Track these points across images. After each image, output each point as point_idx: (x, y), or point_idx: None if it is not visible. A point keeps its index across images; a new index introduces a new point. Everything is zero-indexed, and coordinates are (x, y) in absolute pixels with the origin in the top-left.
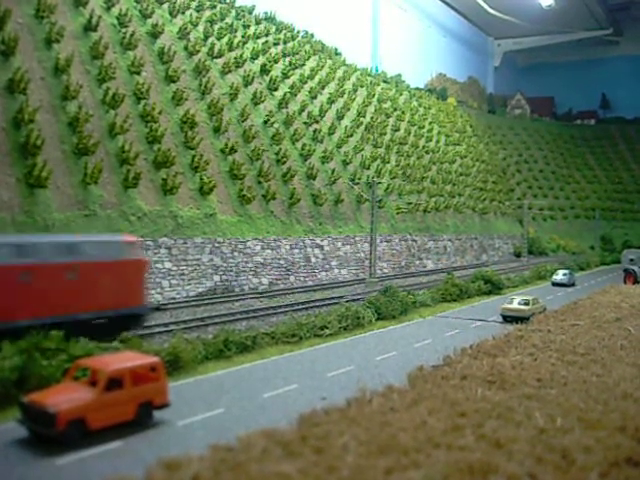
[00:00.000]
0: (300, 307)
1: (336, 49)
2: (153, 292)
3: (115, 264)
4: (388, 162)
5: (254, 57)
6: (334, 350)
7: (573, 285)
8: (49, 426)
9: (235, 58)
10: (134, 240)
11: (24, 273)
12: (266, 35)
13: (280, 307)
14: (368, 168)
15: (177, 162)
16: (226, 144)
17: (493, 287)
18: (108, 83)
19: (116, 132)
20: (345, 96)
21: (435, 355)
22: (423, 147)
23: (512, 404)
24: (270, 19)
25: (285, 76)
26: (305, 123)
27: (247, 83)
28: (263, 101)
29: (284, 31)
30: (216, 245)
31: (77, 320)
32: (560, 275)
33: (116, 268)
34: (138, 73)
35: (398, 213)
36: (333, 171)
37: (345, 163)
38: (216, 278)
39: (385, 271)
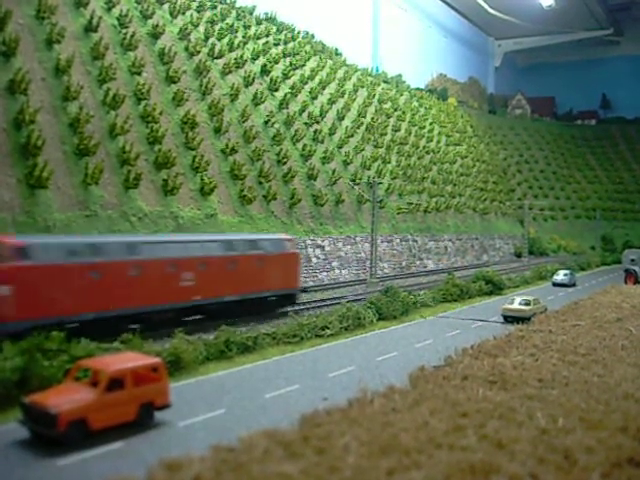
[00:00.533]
0: (301, 307)
1: (336, 49)
2: None
3: (282, 256)
4: (389, 162)
5: (255, 58)
6: (335, 350)
7: (574, 285)
8: (50, 427)
9: (236, 59)
10: (292, 238)
11: (231, 262)
12: (267, 36)
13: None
14: (369, 168)
15: (178, 163)
16: (227, 144)
17: (494, 287)
18: (109, 84)
19: (117, 133)
20: (346, 96)
21: (436, 355)
22: (424, 147)
23: (514, 404)
24: (271, 20)
25: (286, 76)
26: (306, 123)
27: (248, 84)
28: (264, 101)
29: (285, 32)
30: None
31: (262, 297)
32: (561, 275)
33: (282, 259)
34: (139, 74)
35: (399, 213)
36: (334, 171)
37: (346, 163)
38: None
39: (386, 271)
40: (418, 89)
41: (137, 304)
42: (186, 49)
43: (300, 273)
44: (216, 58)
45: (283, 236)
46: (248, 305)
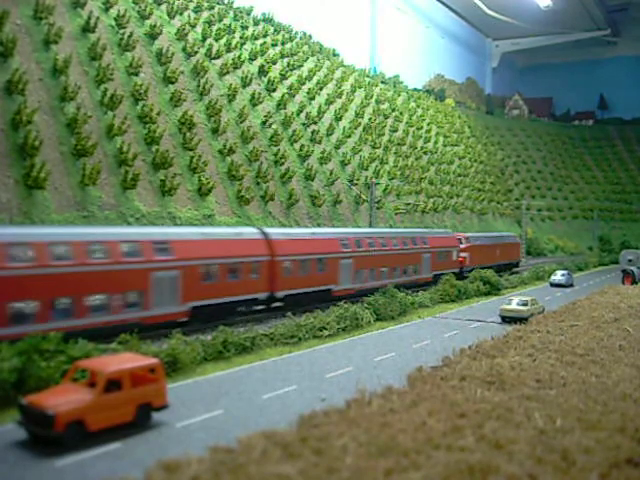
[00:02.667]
0: (299, 308)
1: (334, 50)
2: None
3: (514, 244)
4: (386, 163)
5: (252, 58)
6: (333, 351)
7: (571, 286)
8: (48, 428)
9: (233, 59)
10: (515, 235)
11: (503, 246)
12: (264, 36)
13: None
14: (366, 169)
15: (175, 163)
16: (224, 145)
17: (492, 288)
18: (106, 84)
19: (114, 133)
20: (343, 97)
21: (434, 356)
22: (421, 148)
23: (512, 405)
24: (268, 20)
25: (283, 77)
26: (303, 124)
27: (245, 84)
28: (261, 102)
29: (282, 32)
30: None
31: (509, 263)
32: (558, 276)
33: (513, 245)
34: (136, 74)
35: (396, 214)
36: (331, 172)
37: (343, 164)
38: None
39: None
40: (416, 90)
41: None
42: (184, 49)
43: (520, 252)
44: (214, 59)
45: (513, 234)
46: (503, 266)
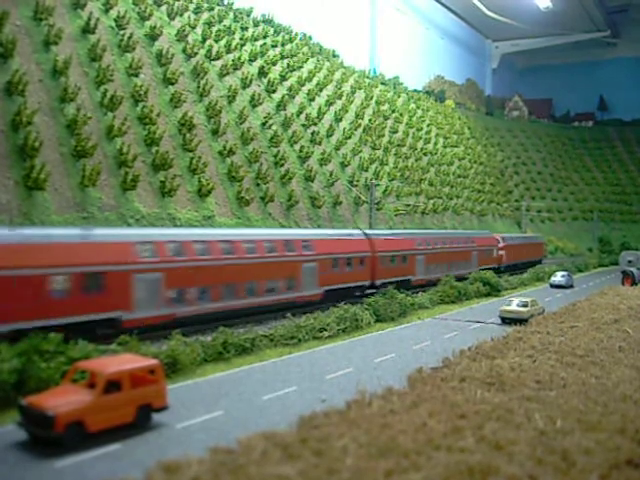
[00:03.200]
0: (298, 309)
1: (334, 51)
2: None
3: (539, 243)
4: (386, 164)
5: (252, 59)
6: (333, 352)
7: (571, 287)
8: (48, 429)
9: (233, 60)
10: (541, 235)
11: (531, 245)
12: (264, 37)
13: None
14: (366, 170)
15: (175, 164)
16: (224, 146)
17: (492, 289)
18: (106, 85)
19: (114, 134)
20: (343, 98)
21: (434, 357)
22: (421, 149)
23: (512, 406)
24: (268, 21)
25: (283, 78)
26: (303, 125)
27: (245, 85)
28: (261, 103)
29: (282, 33)
30: None
31: (533, 260)
32: (558, 277)
33: (539, 245)
34: (136, 75)
35: (396, 215)
36: (331, 173)
37: (343, 165)
38: None
39: None
40: (416, 91)
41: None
42: (183, 51)
43: (544, 251)
44: (213, 60)
45: (539, 235)
46: (529, 263)
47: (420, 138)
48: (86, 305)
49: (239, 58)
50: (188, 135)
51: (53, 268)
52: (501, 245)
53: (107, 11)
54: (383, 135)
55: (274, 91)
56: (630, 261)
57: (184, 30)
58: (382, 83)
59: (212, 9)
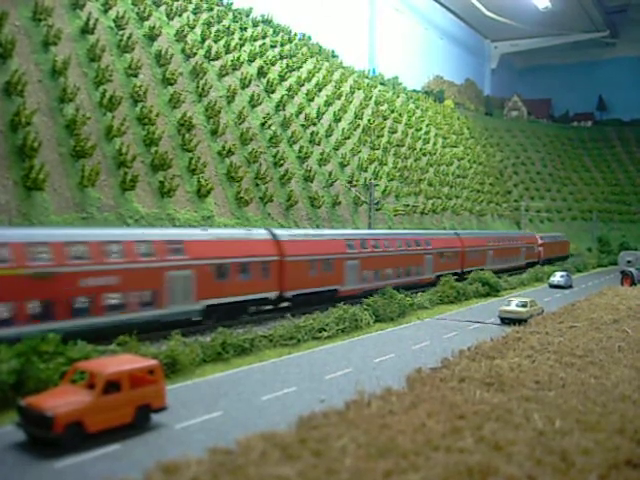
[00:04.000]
0: (297, 310)
1: (333, 52)
2: None
3: (565, 242)
4: (385, 164)
5: (251, 60)
6: (332, 352)
7: (570, 287)
8: (47, 429)
9: (232, 61)
10: (563, 235)
11: (558, 243)
12: (263, 38)
13: (277, 309)
14: (365, 170)
15: (174, 165)
16: (223, 147)
17: (491, 289)
18: (105, 85)
19: (113, 135)
20: (342, 98)
21: (433, 357)
22: (420, 149)
23: (511, 406)
24: (267, 22)
25: (282, 79)
26: (302, 125)
27: (244, 85)
28: (260, 103)
29: (281, 34)
30: None
31: (561, 256)
32: (557, 277)
33: (565, 243)
34: (135, 75)
35: (395, 215)
36: (330, 173)
37: (342, 165)
38: None
39: None
40: (415, 91)
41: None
42: (183, 51)
43: (569, 248)
44: (213, 60)
45: (560, 234)
46: (555, 258)
47: (419, 138)
48: (324, 280)
49: (238, 58)
50: (187, 135)
51: (312, 256)
52: (540, 243)
53: (106, 11)
54: (382, 135)
55: (273, 91)
56: (629, 261)
57: (183, 30)
58: (381, 83)
59: (211, 9)
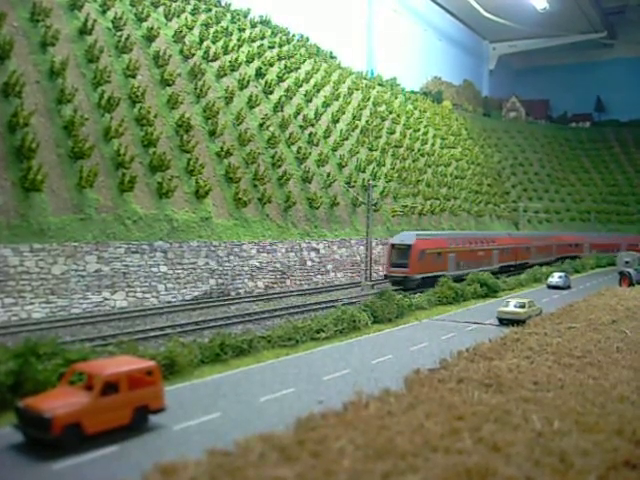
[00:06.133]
0: (296, 310)
1: (331, 52)
2: (149, 296)
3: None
4: (383, 165)
5: (249, 60)
6: (330, 353)
7: (569, 288)
8: (45, 431)
9: (230, 61)
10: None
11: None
12: (261, 39)
13: (276, 311)
14: (364, 171)
15: (172, 166)
16: (222, 147)
17: (489, 290)
18: (103, 86)
19: (111, 136)
20: (340, 99)
21: (431, 358)
22: (418, 150)
23: (509, 407)
24: (265, 23)
25: (280, 79)
26: (300, 126)
27: (242, 86)
28: (258, 104)
29: (279, 35)
30: (212, 249)
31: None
32: (555, 278)
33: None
34: (133, 76)
35: (394, 216)
36: (329, 174)
37: (341, 166)
38: (212, 282)
39: (381, 274)
40: (413, 92)
41: None
42: (181, 52)
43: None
44: (211, 61)
45: (616, 235)
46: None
47: (417, 139)
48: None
49: (236, 59)
50: (185, 136)
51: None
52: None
53: (104, 12)
54: (380, 136)
55: (271, 92)
56: (627, 262)
57: (181, 31)
58: (379, 84)
59: (209, 10)
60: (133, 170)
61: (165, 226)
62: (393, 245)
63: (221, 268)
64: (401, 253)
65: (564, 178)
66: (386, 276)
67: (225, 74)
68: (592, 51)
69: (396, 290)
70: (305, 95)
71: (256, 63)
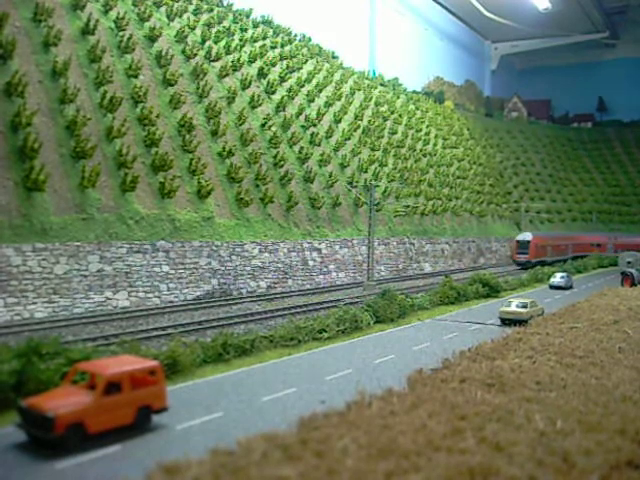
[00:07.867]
0: (298, 310)
1: (333, 52)
2: (151, 295)
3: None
4: (385, 165)
5: (251, 60)
6: (333, 353)
7: (571, 288)
8: (48, 430)
9: (232, 61)
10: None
11: None
12: (263, 39)
13: (278, 311)
14: (366, 171)
15: (175, 165)
16: (224, 147)
17: (491, 290)
18: (106, 86)
19: (114, 135)
20: (342, 99)
21: (434, 358)
22: (420, 150)
23: (512, 407)
24: (267, 23)
25: (282, 79)
26: (302, 126)
27: (244, 86)
28: (260, 104)
29: (281, 35)
30: (214, 248)
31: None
32: (558, 278)
33: None
34: (136, 76)
35: (396, 216)
36: (331, 174)
37: (343, 166)
38: (214, 282)
39: (383, 274)
40: (415, 92)
41: None
42: (183, 52)
43: None
44: (213, 61)
45: None
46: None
47: (419, 139)
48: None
49: (238, 59)
50: (187, 136)
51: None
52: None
53: (106, 12)
54: (382, 136)
55: (273, 92)
56: (629, 262)
57: (183, 31)
58: (381, 84)
59: (211, 10)
60: (135, 170)
61: (167, 226)
62: (518, 241)
63: (223, 268)
64: (523, 245)
65: (566, 178)
66: (513, 260)
67: (227, 74)
68: (594, 51)
69: (519, 268)
70: (307, 95)
71: (258, 63)
